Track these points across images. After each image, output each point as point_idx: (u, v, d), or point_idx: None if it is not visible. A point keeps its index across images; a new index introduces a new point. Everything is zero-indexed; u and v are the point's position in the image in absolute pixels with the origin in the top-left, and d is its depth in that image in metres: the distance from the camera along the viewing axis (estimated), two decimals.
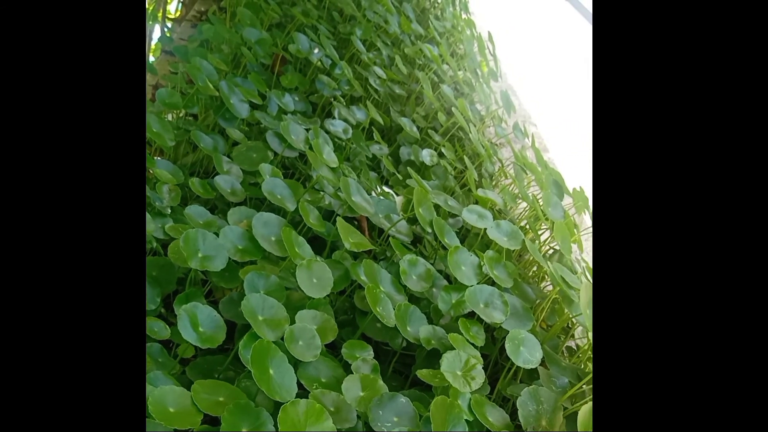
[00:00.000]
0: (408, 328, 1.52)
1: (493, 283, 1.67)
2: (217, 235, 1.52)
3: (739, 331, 0.84)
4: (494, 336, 1.77)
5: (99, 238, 0.84)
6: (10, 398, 0.77)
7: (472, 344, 1.50)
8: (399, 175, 2.25)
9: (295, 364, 1.35)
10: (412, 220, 2.05)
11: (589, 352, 1.72)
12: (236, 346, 1.32)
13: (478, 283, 1.62)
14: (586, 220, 2.08)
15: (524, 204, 2.36)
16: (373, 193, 2.02)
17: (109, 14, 0.88)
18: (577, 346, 1.92)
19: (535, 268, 2.12)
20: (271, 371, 1.22)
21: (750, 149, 0.87)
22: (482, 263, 1.67)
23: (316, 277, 1.49)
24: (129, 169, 0.87)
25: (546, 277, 2.10)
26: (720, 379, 0.83)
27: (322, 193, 1.95)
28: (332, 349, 1.53)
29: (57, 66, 0.85)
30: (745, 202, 0.86)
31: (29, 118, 0.83)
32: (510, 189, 2.34)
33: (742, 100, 0.88)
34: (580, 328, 2.02)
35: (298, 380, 1.33)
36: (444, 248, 1.80)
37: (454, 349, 1.42)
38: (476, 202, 2.13)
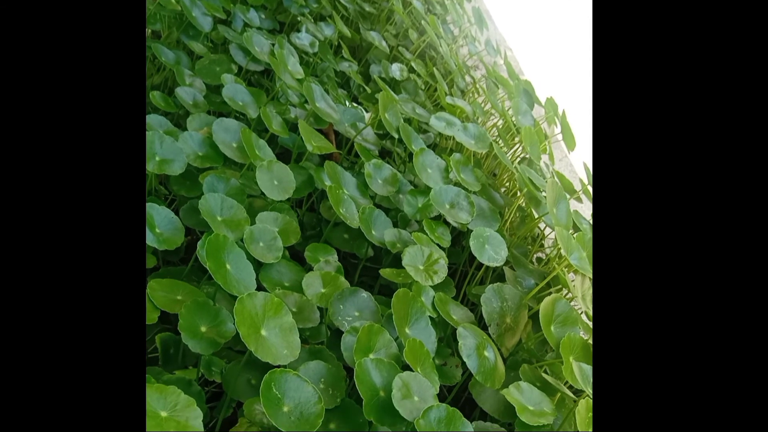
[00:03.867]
0: (373, 232, 1.49)
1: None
2: (176, 139, 1.48)
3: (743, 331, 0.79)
4: (464, 246, 1.75)
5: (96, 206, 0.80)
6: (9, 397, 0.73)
7: (438, 245, 1.48)
8: (368, 90, 2.20)
9: (257, 266, 1.32)
10: (382, 136, 2.01)
11: (558, 258, 1.71)
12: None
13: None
14: (557, 131, 2.05)
15: (495, 120, 2.33)
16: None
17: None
18: (546, 256, 1.91)
19: (507, 182, 2.10)
20: (228, 266, 1.19)
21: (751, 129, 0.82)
22: (449, 167, 1.64)
23: (277, 179, 1.45)
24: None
25: (518, 190, 2.08)
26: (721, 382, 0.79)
27: (288, 105, 1.90)
28: (299, 260, 1.50)
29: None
30: (746, 194, 0.81)
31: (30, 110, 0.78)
32: (482, 105, 2.29)
33: (742, 78, 0.83)
34: (550, 240, 2.02)
35: (260, 282, 1.31)
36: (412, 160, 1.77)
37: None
38: None
